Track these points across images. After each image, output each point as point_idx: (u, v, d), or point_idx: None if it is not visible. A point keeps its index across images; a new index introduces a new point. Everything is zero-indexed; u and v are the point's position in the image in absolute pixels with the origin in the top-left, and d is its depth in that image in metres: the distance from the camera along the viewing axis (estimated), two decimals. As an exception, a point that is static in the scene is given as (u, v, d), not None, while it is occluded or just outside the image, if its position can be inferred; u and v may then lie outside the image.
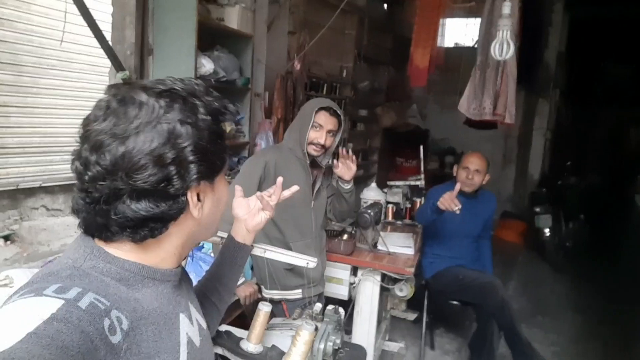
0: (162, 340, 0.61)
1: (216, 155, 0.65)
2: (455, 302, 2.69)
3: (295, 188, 1.02)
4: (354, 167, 1.89)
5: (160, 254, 0.66)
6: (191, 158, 0.59)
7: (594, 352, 2.95)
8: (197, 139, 0.60)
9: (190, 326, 0.71)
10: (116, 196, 0.57)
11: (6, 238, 4.23)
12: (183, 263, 1.45)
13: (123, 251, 0.63)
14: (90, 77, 4.88)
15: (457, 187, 2.15)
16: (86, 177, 0.57)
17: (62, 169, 5.00)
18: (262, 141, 3.10)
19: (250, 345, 1.10)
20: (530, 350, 2.34)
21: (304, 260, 1.09)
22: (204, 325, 0.80)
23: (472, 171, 2.51)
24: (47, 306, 0.48)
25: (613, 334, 3.15)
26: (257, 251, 1.07)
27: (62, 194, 5.30)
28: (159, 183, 0.57)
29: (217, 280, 0.97)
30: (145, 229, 0.60)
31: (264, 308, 1.11)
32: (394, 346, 2.77)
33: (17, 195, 4.40)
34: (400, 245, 2.45)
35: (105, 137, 0.56)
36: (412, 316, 3.22)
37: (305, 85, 3.82)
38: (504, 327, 2.37)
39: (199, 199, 0.65)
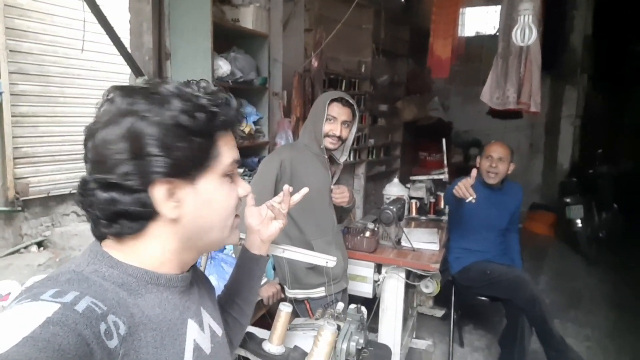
0: (163, 347, 0.61)
1: (186, 152, 0.62)
2: (483, 298, 2.62)
3: (305, 190, 0.98)
4: (346, 192, 1.91)
5: (156, 257, 0.65)
6: (151, 152, 0.59)
7: (630, 347, 2.83)
8: (160, 135, 0.59)
9: (199, 333, 0.70)
10: (92, 188, 0.60)
11: (39, 244, 4.38)
12: (203, 264, 1.46)
13: (125, 254, 0.64)
14: (113, 84, 5.00)
15: (474, 173, 2.07)
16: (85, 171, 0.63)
17: (90, 175, 5.12)
18: (282, 140, 3.10)
19: (272, 347, 1.09)
20: (563, 347, 2.26)
21: (324, 260, 1.07)
22: (219, 331, 0.78)
23: (495, 159, 2.43)
24: (43, 310, 0.48)
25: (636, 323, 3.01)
26: (276, 251, 1.06)
27: (91, 200, 5.42)
28: (120, 176, 0.59)
29: (237, 295, 0.94)
30: (116, 224, 0.61)
31: (285, 309, 1.10)
32: (421, 344, 2.73)
33: (48, 203, 4.56)
34: (424, 241, 2.41)
35: (87, 132, 0.62)
36: (439, 313, 3.17)
37: (324, 82, 3.80)
38: (535, 322, 2.29)
39: (173, 199, 0.63)
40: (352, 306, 1.19)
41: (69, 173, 4.84)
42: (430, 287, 2.24)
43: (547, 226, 5.37)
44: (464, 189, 2.02)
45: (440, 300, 2.74)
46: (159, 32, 2.32)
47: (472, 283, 2.54)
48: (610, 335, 3.00)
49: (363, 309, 1.17)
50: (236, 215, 0.72)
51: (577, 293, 3.74)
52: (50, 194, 4.44)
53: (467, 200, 2.03)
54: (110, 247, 0.64)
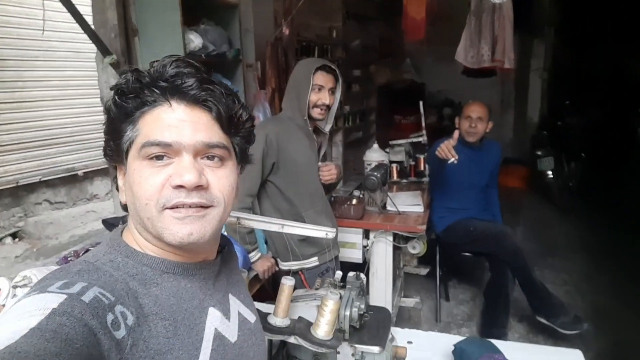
0: (177, 337, 0.60)
1: (107, 137, 0.64)
2: (468, 254, 2.72)
3: None
4: (333, 169, 1.91)
5: (150, 244, 0.65)
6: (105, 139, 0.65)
7: (604, 287, 3.01)
8: (105, 122, 0.64)
9: (222, 320, 0.69)
10: None
11: (14, 236, 4.24)
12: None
13: (142, 244, 0.65)
14: (75, 64, 4.77)
15: (456, 134, 2.10)
16: None
17: (61, 161, 4.98)
18: (260, 113, 3.04)
19: (278, 320, 1.11)
20: (545, 293, 2.39)
21: (323, 232, 1.08)
22: (252, 318, 0.77)
23: (474, 119, 2.48)
24: (49, 301, 0.48)
25: (620, 266, 3.21)
26: (275, 227, 1.06)
27: (63, 187, 5.27)
28: None
29: None
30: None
31: (288, 282, 1.11)
32: (410, 302, 2.83)
33: (18, 192, 4.38)
34: (409, 203, 2.46)
35: None
36: (424, 271, 3.27)
37: (296, 50, 3.72)
38: (518, 273, 2.41)
39: (123, 184, 0.65)
40: (352, 273, 1.22)
41: (37, 160, 4.66)
42: (417, 248, 2.31)
43: (520, 179, 5.54)
44: (446, 150, 2.06)
45: (423, 259, 2.84)
46: (123, 7, 2.20)
47: (456, 240, 2.63)
48: (586, 278, 3.19)
49: (362, 275, 1.20)
50: (173, 207, 0.60)
51: (553, 241, 3.93)
52: (19, 184, 4.28)
53: (450, 162, 2.07)
54: (129, 236, 0.66)
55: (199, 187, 0.61)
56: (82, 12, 2.03)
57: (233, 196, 0.67)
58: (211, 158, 0.63)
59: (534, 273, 2.42)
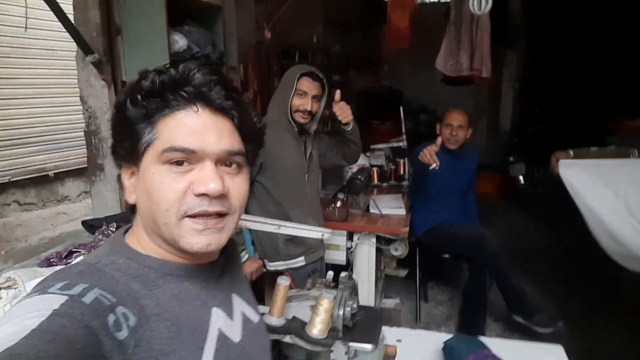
0: (179, 337, 0.59)
1: (120, 136, 0.64)
2: (447, 256, 2.79)
3: None
4: (347, 107, 1.85)
5: (155, 247, 0.65)
6: (113, 138, 0.65)
7: (579, 288, 3.10)
8: (113, 122, 0.64)
9: (226, 320, 0.69)
10: None
11: (-19, 238, 4.04)
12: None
13: (145, 245, 0.65)
14: (49, 62, 4.62)
15: (439, 141, 2.17)
16: None
17: (31, 161, 4.81)
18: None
19: (274, 319, 1.12)
20: (521, 293, 2.47)
21: (319, 232, 1.10)
22: (255, 318, 0.77)
23: (455, 127, 2.56)
24: (50, 303, 0.48)
25: (588, 268, 3.32)
26: (271, 227, 1.07)
27: (33, 187, 5.09)
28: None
29: None
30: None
31: (283, 282, 1.13)
32: (390, 302, 2.88)
33: (-15, 193, 4.18)
34: (391, 206, 2.51)
35: None
36: (403, 273, 3.33)
37: (278, 54, 3.74)
38: (497, 275, 2.48)
39: (132, 184, 0.65)
40: (344, 274, 1.25)
41: (7, 160, 4.49)
42: (399, 250, 2.36)
43: (493, 185, 5.70)
44: (429, 155, 2.12)
45: (401, 261, 2.88)
46: (106, 5, 2.16)
47: (437, 242, 2.69)
48: (560, 282, 3.30)
49: (355, 276, 1.22)
50: (194, 215, 0.60)
51: (524, 245, 4.06)
52: (-14, 184, 4.11)
53: (431, 168, 2.14)
54: (133, 238, 0.65)
55: (220, 196, 0.61)
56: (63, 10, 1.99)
57: (245, 203, 0.68)
58: (229, 165, 0.64)
59: (511, 274, 2.51)
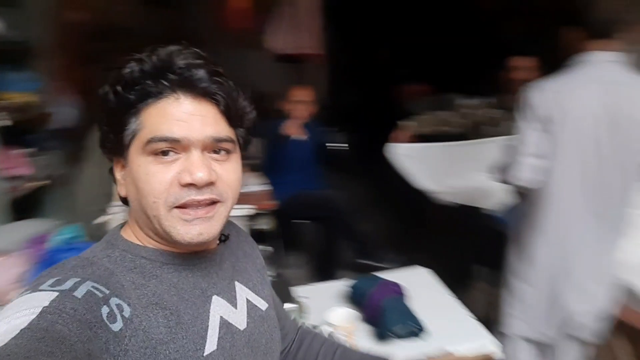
0: (179, 326, 0.59)
1: (105, 128, 0.62)
2: (306, 221, 3.04)
3: None
4: None
5: (149, 237, 0.64)
6: (101, 130, 0.63)
7: (400, 231, 3.76)
8: (102, 114, 0.62)
9: (228, 308, 0.68)
10: None
11: None
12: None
13: (141, 237, 0.64)
14: None
15: (294, 115, 2.37)
16: None
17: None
18: (66, 107, 2.67)
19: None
20: (366, 239, 2.86)
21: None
22: (263, 305, 0.76)
23: (301, 102, 2.82)
24: (40, 300, 0.48)
25: (405, 212, 4.04)
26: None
27: None
28: None
29: None
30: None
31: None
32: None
33: None
34: (251, 183, 2.61)
35: None
36: (270, 249, 3.46)
37: (92, 35, 3.33)
38: (344, 227, 2.81)
39: (122, 177, 0.64)
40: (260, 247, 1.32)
41: None
42: (270, 223, 2.50)
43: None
44: (292, 128, 2.29)
45: (262, 237, 2.99)
46: None
47: (295, 210, 2.90)
48: (384, 227, 3.92)
49: (269, 247, 1.31)
50: (183, 206, 0.59)
51: (353, 199, 4.62)
52: None
53: (293, 138, 2.31)
54: (128, 231, 0.65)
55: (209, 183, 0.59)
56: None
57: (239, 190, 0.66)
58: (218, 151, 0.62)
59: (356, 225, 2.88)
